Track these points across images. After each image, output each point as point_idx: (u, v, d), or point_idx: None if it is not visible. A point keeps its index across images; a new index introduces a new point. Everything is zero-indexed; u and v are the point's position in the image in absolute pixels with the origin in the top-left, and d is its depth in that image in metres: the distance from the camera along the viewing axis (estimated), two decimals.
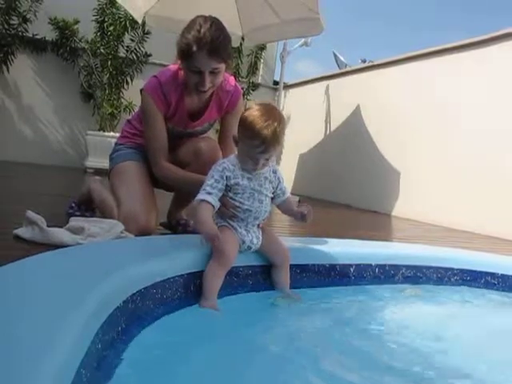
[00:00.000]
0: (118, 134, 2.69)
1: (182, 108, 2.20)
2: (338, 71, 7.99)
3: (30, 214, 1.84)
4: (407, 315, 1.80)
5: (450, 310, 1.90)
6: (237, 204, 1.55)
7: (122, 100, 6.72)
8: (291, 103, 8.15)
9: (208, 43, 1.93)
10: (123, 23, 6.44)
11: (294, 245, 1.85)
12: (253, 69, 7.81)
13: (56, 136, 6.93)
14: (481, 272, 2.18)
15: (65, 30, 6.50)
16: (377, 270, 1.98)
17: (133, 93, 6.28)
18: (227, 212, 1.56)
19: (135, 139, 2.38)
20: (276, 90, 7.76)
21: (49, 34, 6.53)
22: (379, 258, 2.03)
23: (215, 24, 2.00)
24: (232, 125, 2.24)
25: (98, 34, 6.53)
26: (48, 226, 1.82)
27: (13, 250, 1.66)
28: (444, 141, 5.32)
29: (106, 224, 1.95)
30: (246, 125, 1.49)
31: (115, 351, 1.00)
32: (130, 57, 6.72)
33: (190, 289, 1.44)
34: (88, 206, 2.52)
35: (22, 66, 6.58)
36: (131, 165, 2.29)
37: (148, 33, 6.57)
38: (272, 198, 1.65)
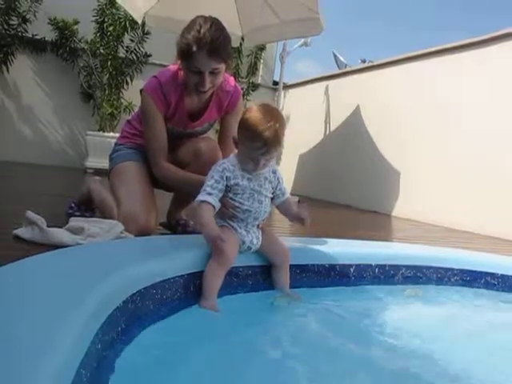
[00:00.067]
0: (117, 135, 2.69)
1: (182, 108, 2.20)
2: (337, 71, 7.99)
3: (30, 214, 1.84)
4: (407, 315, 1.80)
5: (450, 310, 1.90)
6: (236, 204, 1.55)
7: (122, 100, 6.72)
8: (291, 103, 8.15)
9: (208, 43, 1.93)
10: (123, 23, 6.44)
11: (293, 245, 1.85)
12: (252, 69, 7.81)
13: (56, 136, 6.93)
14: (481, 272, 2.18)
15: (64, 30, 6.50)
16: (377, 270, 1.98)
17: (133, 93, 6.28)
18: (227, 212, 1.56)
19: (135, 139, 2.38)
20: (276, 90, 7.76)
21: (48, 34, 6.54)
22: (379, 258, 2.03)
23: (215, 24, 2.00)
24: (232, 125, 2.24)
25: (98, 34, 6.53)
26: (48, 226, 1.82)
27: (12, 250, 1.66)
28: (444, 141, 5.32)
29: (106, 224, 1.95)
30: (246, 126, 1.49)
31: (115, 351, 1.00)
32: (130, 57, 6.72)
33: (190, 289, 1.44)
34: (88, 207, 2.52)
35: (22, 67, 6.58)
36: (131, 165, 2.29)
37: (148, 33, 6.57)
38: (272, 199, 1.65)
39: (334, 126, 7.24)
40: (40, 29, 6.40)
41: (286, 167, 7.25)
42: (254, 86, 7.77)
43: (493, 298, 2.06)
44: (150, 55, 6.82)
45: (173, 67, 2.19)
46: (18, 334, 0.76)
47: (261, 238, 1.63)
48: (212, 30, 1.96)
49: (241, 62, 7.38)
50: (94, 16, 6.45)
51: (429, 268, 2.11)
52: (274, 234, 1.76)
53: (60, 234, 1.79)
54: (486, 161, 4.77)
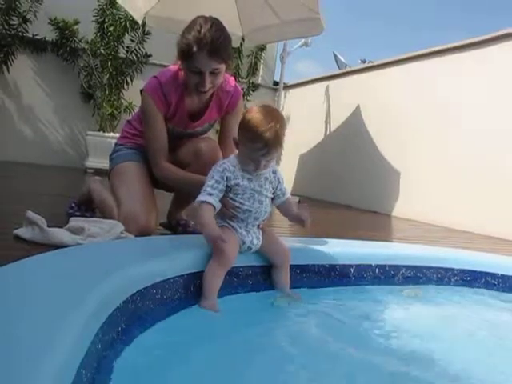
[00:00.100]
0: (117, 135, 2.69)
1: (182, 108, 2.20)
2: (338, 71, 7.99)
3: (30, 214, 1.84)
4: (407, 315, 1.80)
5: (450, 310, 1.90)
6: (237, 205, 1.55)
7: (122, 100, 6.73)
8: (291, 104, 8.15)
9: (208, 44, 1.93)
10: (123, 24, 6.44)
11: (294, 245, 1.85)
12: (253, 69, 7.82)
13: (56, 136, 6.94)
14: (481, 272, 2.18)
15: (65, 30, 6.51)
16: (377, 270, 1.98)
17: (133, 93, 6.28)
18: (227, 212, 1.56)
19: (135, 140, 2.38)
20: (276, 90, 7.76)
21: (49, 34, 6.54)
22: (379, 258, 2.03)
23: (216, 25, 2.00)
24: (232, 125, 2.24)
25: (98, 34, 6.54)
26: (48, 226, 1.82)
27: (13, 250, 1.66)
28: (444, 141, 5.32)
29: (106, 224, 1.95)
30: (247, 127, 1.48)
31: (115, 351, 1.00)
32: (130, 57, 6.72)
33: (190, 289, 1.44)
34: (88, 207, 2.52)
35: (22, 67, 6.58)
36: (131, 165, 2.29)
37: (148, 33, 6.58)
38: (272, 199, 1.65)
39: (334, 126, 7.24)
40: (40, 29, 6.41)
41: (287, 167, 7.26)
42: (255, 87, 7.77)
43: (493, 298, 2.06)
44: (150, 55, 6.83)
45: (173, 67, 2.19)
46: (19, 334, 0.76)
47: (261, 238, 1.63)
48: (212, 30, 1.96)
49: (241, 62, 7.38)
50: (94, 16, 6.45)
51: (429, 268, 2.11)
52: (275, 234, 1.76)
53: (60, 234, 1.80)
54: (486, 161, 4.77)
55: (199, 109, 2.26)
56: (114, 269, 1.21)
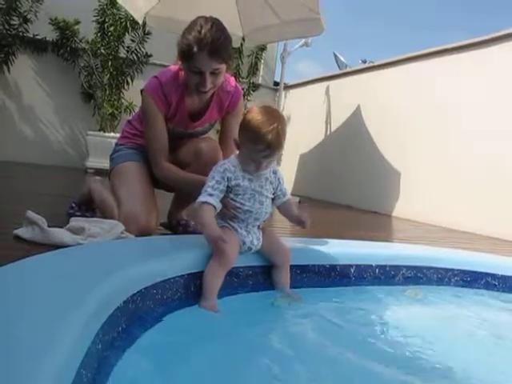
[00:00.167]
0: (118, 135, 2.69)
1: (183, 108, 2.20)
2: (338, 72, 7.99)
3: (31, 214, 1.84)
4: (407, 316, 1.80)
5: (451, 310, 1.90)
6: (237, 205, 1.55)
7: (123, 100, 6.73)
8: (291, 104, 8.16)
9: (209, 44, 1.93)
10: (124, 24, 6.45)
11: (294, 245, 1.85)
12: (253, 69, 7.82)
13: (56, 136, 6.94)
14: (481, 273, 2.18)
15: (65, 30, 6.51)
16: (377, 270, 1.98)
17: (133, 93, 6.28)
18: (228, 213, 1.56)
19: (136, 140, 2.38)
20: (276, 90, 7.76)
21: (49, 34, 6.54)
22: (379, 258, 2.03)
23: (216, 25, 2.00)
24: (232, 125, 2.24)
25: (99, 34, 6.54)
26: (48, 226, 1.82)
27: (13, 250, 1.66)
28: (444, 141, 5.32)
29: (107, 224, 1.95)
30: (248, 128, 1.48)
31: (115, 351, 1.00)
32: (131, 57, 6.73)
33: (191, 289, 1.44)
34: (88, 207, 2.52)
35: (23, 67, 6.58)
36: (132, 165, 2.29)
37: (148, 33, 6.58)
38: (272, 200, 1.65)
39: (334, 126, 7.24)
40: (41, 29, 6.41)
41: (287, 167, 7.26)
42: (255, 87, 7.77)
43: (493, 299, 2.06)
44: (150, 55, 6.83)
45: (173, 67, 2.19)
46: (19, 334, 0.76)
47: (261, 238, 1.62)
48: (213, 30, 1.96)
49: (241, 62, 7.38)
50: (94, 16, 6.45)
51: (429, 268, 2.11)
52: (275, 234, 1.76)
53: (61, 234, 1.79)
54: (486, 161, 4.77)
55: (200, 109, 2.26)
56: (114, 269, 1.21)
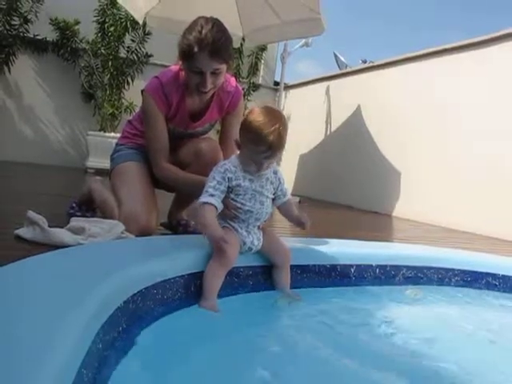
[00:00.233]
0: (118, 135, 2.70)
1: (183, 109, 2.20)
2: (338, 72, 7.99)
3: (31, 214, 1.84)
4: (408, 316, 1.80)
5: (451, 310, 1.90)
6: (238, 205, 1.55)
7: (123, 100, 6.73)
8: (292, 104, 8.15)
9: (209, 44, 1.93)
10: (124, 24, 6.45)
11: (294, 245, 1.85)
12: (253, 69, 7.82)
13: (57, 136, 6.94)
14: (481, 273, 2.18)
15: (66, 30, 6.51)
16: (377, 270, 1.98)
17: (133, 93, 6.29)
18: (229, 213, 1.56)
19: (136, 140, 2.38)
20: (277, 90, 7.76)
21: (50, 34, 6.54)
22: (380, 258, 2.03)
23: (217, 25, 2.00)
24: (233, 125, 2.25)
25: (99, 34, 6.54)
26: (49, 226, 1.82)
27: (13, 250, 1.66)
28: (444, 141, 5.32)
29: (107, 224, 1.95)
30: (250, 129, 1.47)
31: (116, 351, 1.00)
32: (131, 57, 6.73)
33: (191, 289, 1.44)
34: (89, 207, 2.52)
35: (23, 67, 6.59)
36: (132, 165, 2.29)
37: (149, 33, 6.58)
38: (273, 200, 1.65)
39: (334, 126, 7.24)
40: (41, 29, 6.41)
41: (287, 167, 7.26)
42: (255, 87, 7.77)
43: (494, 299, 2.06)
44: (150, 55, 6.83)
45: (174, 67, 2.19)
46: (19, 334, 0.76)
47: (262, 238, 1.62)
48: (213, 30, 1.96)
49: (242, 62, 7.38)
50: (95, 16, 6.45)
51: (429, 268, 2.11)
52: (275, 234, 1.76)
53: (61, 234, 1.80)
54: (486, 161, 4.77)
55: (200, 109, 2.26)
56: (114, 269, 1.21)
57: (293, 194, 2.65)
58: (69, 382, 0.71)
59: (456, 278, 2.15)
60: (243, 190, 1.54)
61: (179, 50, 2.03)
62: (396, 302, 1.87)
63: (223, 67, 2.03)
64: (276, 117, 1.49)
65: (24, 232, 1.81)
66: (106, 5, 6.43)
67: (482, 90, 4.96)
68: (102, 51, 6.55)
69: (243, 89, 2.61)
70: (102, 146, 6.02)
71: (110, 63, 6.54)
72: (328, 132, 7.38)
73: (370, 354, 1.27)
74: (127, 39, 6.64)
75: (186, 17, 2.34)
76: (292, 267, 1.69)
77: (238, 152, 1.59)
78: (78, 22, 6.52)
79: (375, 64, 6.69)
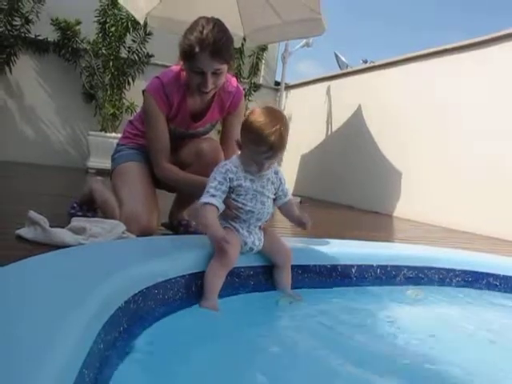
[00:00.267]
0: (119, 135, 2.70)
1: (184, 109, 2.20)
2: (339, 72, 7.99)
3: (33, 214, 1.84)
4: (408, 316, 1.80)
5: (452, 311, 1.90)
6: (239, 205, 1.55)
7: (124, 101, 6.73)
8: (292, 104, 8.15)
9: (210, 44, 1.93)
10: (125, 24, 6.45)
11: (295, 245, 1.85)
12: (254, 69, 7.81)
13: (58, 136, 6.95)
14: (482, 273, 2.18)
15: (67, 30, 6.52)
16: (378, 270, 1.98)
17: (134, 93, 6.30)
18: (230, 213, 1.56)
19: (137, 140, 2.38)
20: (277, 90, 7.77)
21: (51, 34, 6.55)
22: (380, 258, 2.03)
23: (218, 25, 2.00)
24: (234, 126, 2.25)
25: (100, 34, 6.54)
26: (50, 226, 1.82)
27: (15, 250, 1.66)
28: (445, 141, 5.31)
29: (108, 224, 1.96)
30: (251, 130, 1.48)
31: (117, 351, 1.01)
32: (132, 57, 6.73)
33: (192, 289, 1.44)
34: (90, 207, 2.52)
35: (25, 67, 6.59)
36: (133, 165, 2.30)
37: (150, 34, 6.58)
38: (274, 200, 1.65)
39: (335, 126, 7.24)
40: (42, 29, 6.42)
41: (288, 168, 7.26)
42: (256, 87, 7.78)
43: (494, 299, 2.06)
44: (151, 56, 6.83)
45: (175, 68, 2.19)
46: (20, 334, 0.76)
47: (263, 239, 1.63)
48: (215, 30, 1.96)
49: (242, 62, 7.38)
50: (96, 16, 6.45)
51: (430, 269, 2.11)
52: (276, 234, 1.76)
53: (62, 234, 1.80)
54: (487, 161, 4.76)
55: (201, 109, 2.26)
56: (115, 269, 1.21)
57: (294, 194, 2.65)
58: (70, 382, 0.71)
59: (457, 279, 2.15)
60: (244, 190, 1.54)
61: (180, 50, 2.03)
62: (397, 302, 1.87)
63: (224, 67, 2.03)
64: (277, 117, 1.49)
65: (25, 232, 1.82)
66: (107, 5, 6.43)
67: (483, 90, 4.95)
68: (103, 51, 6.55)
69: (244, 89, 2.61)
70: (102, 146, 6.02)
71: (111, 63, 6.54)
72: (329, 132, 7.37)
73: (371, 354, 1.27)
74: (128, 39, 6.64)
75: (187, 17, 2.35)
76: (293, 267, 1.69)
77: (239, 152, 1.59)
78: (79, 23, 6.52)
79: (376, 64, 6.68)
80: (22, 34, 6.35)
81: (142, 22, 5.25)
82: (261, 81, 8.29)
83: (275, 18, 5.01)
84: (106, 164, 2.82)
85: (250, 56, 7.63)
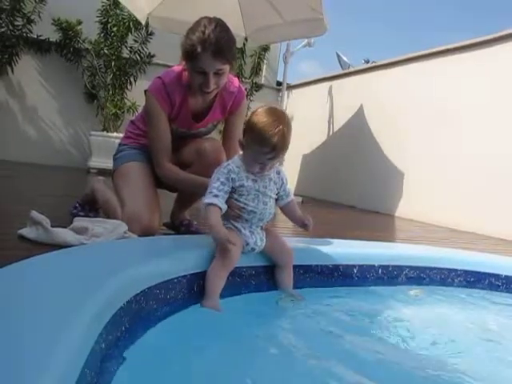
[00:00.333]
0: (121, 135, 2.70)
1: (186, 109, 2.21)
2: (341, 72, 7.98)
3: (35, 214, 1.85)
4: (410, 316, 1.80)
5: (454, 311, 1.89)
6: (241, 205, 1.55)
7: (126, 100, 6.74)
8: (294, 104, 8.15)
9: (213, 44, 1.93)
10: (127, 24, 6.46)
11: (297, 245, 1.85)
12: (256, 69, 7.82)
13: (59, 136, 6.96)
14: (484, 273, 2.18)
15: (68, 30, 6.53)
16: (380, 270, 1.98)
17: (136, 93, 6.30)
18: (232, 213, 1.56)
19: (139, 140, 2.38)
20: (279, 90, 7.77)
21: (52, 34, 6.56)
22: (382, 258, 2.03)
23: (220, 25, 2.00)
24: (236, 126, 2.25)
25: (102, 34, 6.56)
26: (52, 226, 1.83)
27: (17, 250, 1.67)
28: (445, 141, 5.31)
29: (110, 224, 1.96)
30: (254, 130, 1.47)
31: (119, 351, 1.01)
32: (134, 57, 6.74)
33: (194, 289, 1.44)
34: (92, 207, 2.53)
35: (26, 67, 6.60)
36: (135, 165, 2.30)
37: (151, 34, 6.59)
38: (276, 200, 1.65)
39: (337, 126, 7.24)
40: (44, 29, 6.43)
41: (290, 168, 7.25)
42: (258, 87, 7.78)
43: (497, 299, 2.05)
44: (153, 56, 6.84)
45: (177, 68, 2.19)
46: (22, 334, 0.76)
47: (265, 239, 1.62)
48: (217, 30, 1.96)
49: (244, 62, 7.38)
50: (97, 16, 6.47)
51: (432, 269, 2.10)
52: (278, 234, 1.76)
53: (64, 234, 1.80)
54: (488, 161, 4.76)
55: (203, 109, 2.26)
56: (117, 269, 1.21)
57: (295, 194, 2.64)
58: (72, 381, 0.71)
59: (459, 279, 2.15)
60: (246, 190, 1.54)
61: (182, 50, 2.03)
62: (399, 302, 1.87)
63: (226, 67, 2.03)
64: (280, 118, 1.49)
65: (27, 232, 1.82)
66: (109, 5, 6.44)
67: (484, 90, 4.95)
68: (105, 51, 6.57)
69: (246, 89, 2.61)
70: (104, 146, 6.03)
71: (112, 63, 6.55)
72: (330, 132, 7.37)
73: (372, 354, 1.27)
74: (130, 39, 6.65)
75: (189, 17, 2.35)
76: (295, 267, 1.69)
77: (241, 152, 1.59)
78: (80, 23, 6.53)
79: (378, 64, 6.68)
80: (24, 34, 6.36)
81: (143, 22, 5.25)
82: (262, 81, 8.29)
83: (277, 18, 5.01)
84: (108, 164, 2.83)
85: (251, 56, 7.64)
